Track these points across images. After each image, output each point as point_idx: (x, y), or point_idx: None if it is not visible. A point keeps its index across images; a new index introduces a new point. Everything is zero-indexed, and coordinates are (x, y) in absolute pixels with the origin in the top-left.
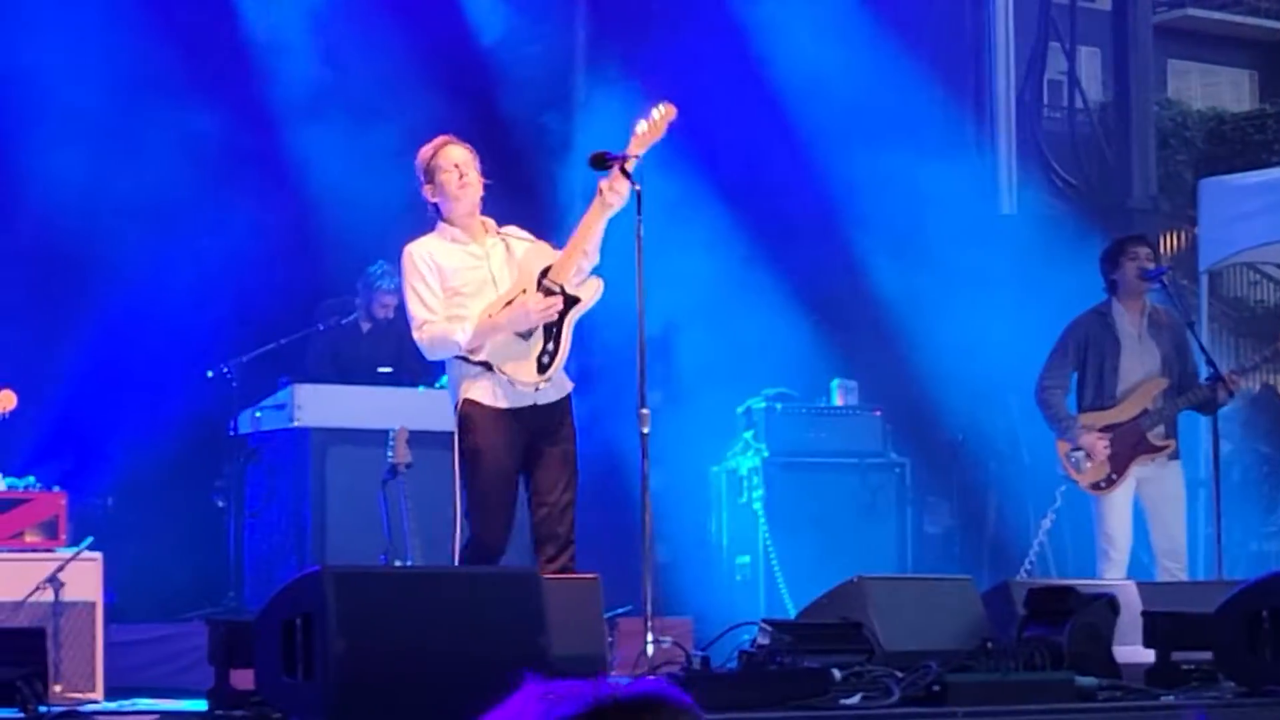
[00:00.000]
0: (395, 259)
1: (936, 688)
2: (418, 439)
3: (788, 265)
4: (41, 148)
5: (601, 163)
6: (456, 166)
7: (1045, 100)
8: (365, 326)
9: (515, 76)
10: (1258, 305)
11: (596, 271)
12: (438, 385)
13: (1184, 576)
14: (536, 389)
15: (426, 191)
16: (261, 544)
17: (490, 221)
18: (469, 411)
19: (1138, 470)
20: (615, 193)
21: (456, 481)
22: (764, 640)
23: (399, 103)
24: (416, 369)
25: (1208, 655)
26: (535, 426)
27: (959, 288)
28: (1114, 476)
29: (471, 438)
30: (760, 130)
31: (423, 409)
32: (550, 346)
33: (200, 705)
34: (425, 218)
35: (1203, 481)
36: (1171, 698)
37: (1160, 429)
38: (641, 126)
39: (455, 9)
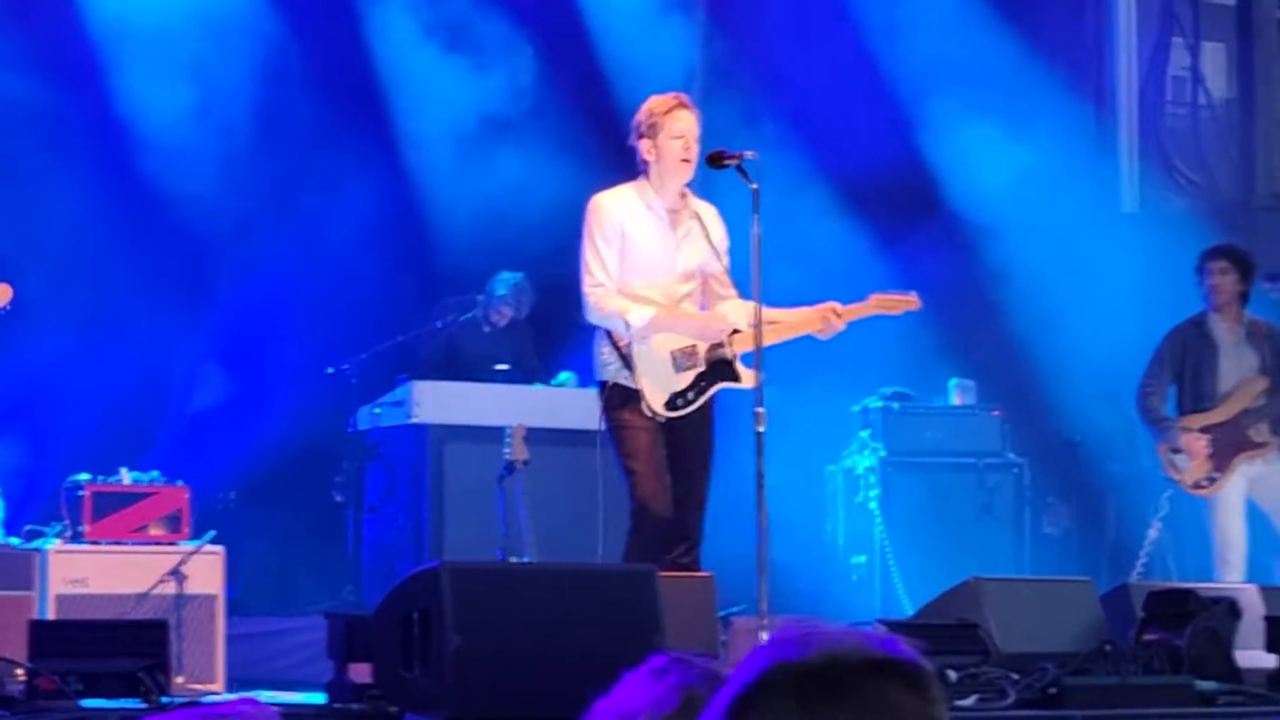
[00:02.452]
0: (516, 256)
1: (1053, 690)
2: (535, 436)
3: (905, 263)
4: (170, 146)
5: (719, 161)
6: (684, 135)
7: (1168, 96)
8: (485, 328)
9: (634, 69)
10: None
11: None
12: (554, 383)
13: None
14: (653, 415)
15: (642, 146)
16: (380, 539)
17: (689, 193)
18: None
19: (1246, 469)
20: (833, 330)
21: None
22: None
23: (520, 102)
24: (534, 367)
25: None
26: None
27: (1079, 286)
28: (1215, 475)
29: (619, 414)
30: (877, 126)
31: (540, 406)
32: (691, 395)
33: (319, 698)
34: (545, 212)
35: None
36: None
37: (1264, 427)
38: (882, 300)
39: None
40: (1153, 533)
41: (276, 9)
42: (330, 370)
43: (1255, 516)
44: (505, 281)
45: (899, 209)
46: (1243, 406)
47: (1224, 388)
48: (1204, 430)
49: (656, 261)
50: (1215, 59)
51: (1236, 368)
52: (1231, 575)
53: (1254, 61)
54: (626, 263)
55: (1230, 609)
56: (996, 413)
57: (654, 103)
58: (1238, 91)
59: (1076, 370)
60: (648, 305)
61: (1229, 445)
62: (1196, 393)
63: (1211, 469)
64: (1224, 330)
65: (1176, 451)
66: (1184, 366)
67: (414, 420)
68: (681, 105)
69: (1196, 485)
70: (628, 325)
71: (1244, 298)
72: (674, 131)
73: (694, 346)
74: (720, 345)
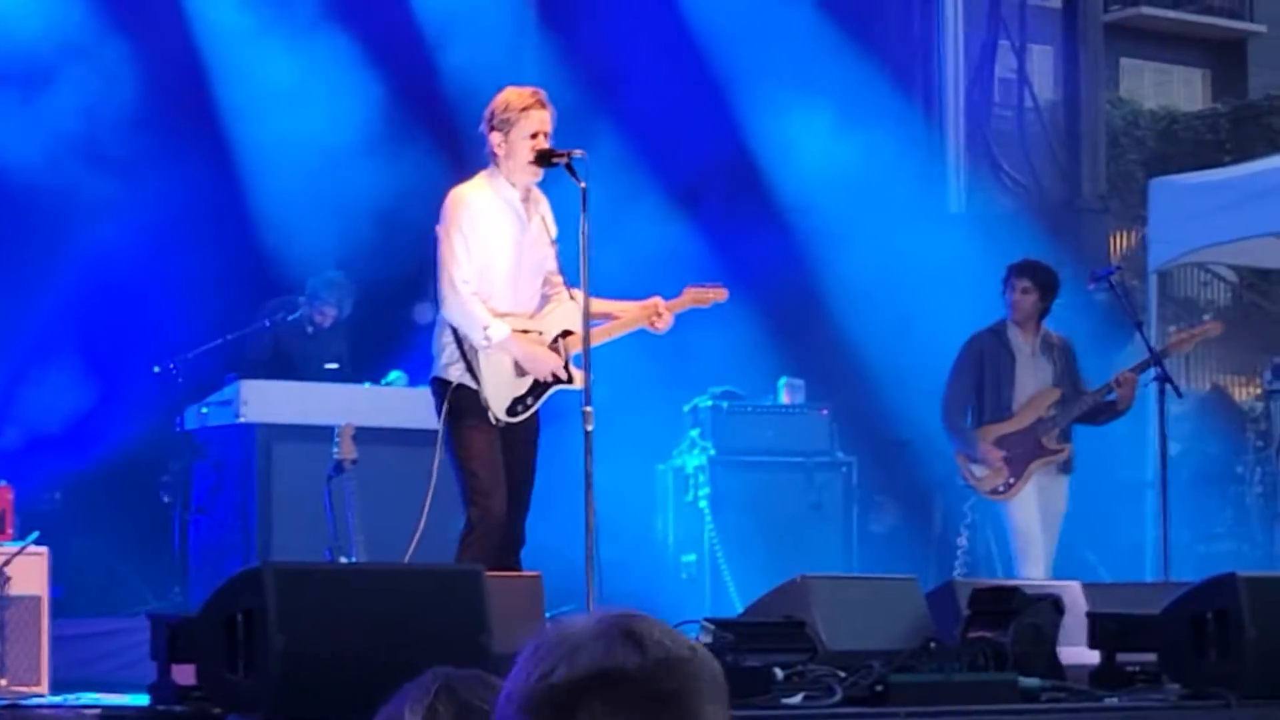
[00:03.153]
0: (343, 253)
1: (879, 688)
2: (363, 435)
3: (735, 262)
4: None
5: (547, 159)
6: (537, 136)
7: (995, 99)
8: (309, 328)
9: (462, 61)
10: (1208, 305)
11: None
12: (384, 382)
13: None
14: (496, 421)
15: (493, 139)
16: (208, 539)
17: (533, 186)
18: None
19: (1039, 477)
20: (665, 325)
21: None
22: (706, 639)
23: (343, 89)
24: (363, 366)
25: (1153, 657)
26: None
27: (907, 286)
28: (1012, 481)
29: (461, 417)
30: (708, 125)
31: (369, 405)
32: (530, 401)
33: (143, 700)
34: (373, 211)
35: (1150, 483)
36: (1116, 699)
37: (1055, 435)
38: (694, 293)
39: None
40: (962, 541)
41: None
42: (157, 369)
43: (1095, 517)
44: (326, 282)
45: (729, 207)
46: (1036, 416)
47: (1020, 398)
48: (1000, 439)
49: (513, 269)
50: (1042, 62)
51: (1033, 379)
52: (1033, 569)
53: (1079, 65)
54: (484, 265)
55: (1054, 606)
56: (825, 412)
57: (511, 97)
58: (1063, 94)
59: (904, 369)
60: (504, 322)
61: (1024, 453)
62: (995, 402)
63: (1007, 476)
64: (1021, 342)
65: (974, 460)
66: (983, 376)
67: (242, 420)
68: (539, 104)
69: (994, 491)
70: (487, 338)
71: (1043, 314)
72: (527, 130)
73: None
74: (556, 349)
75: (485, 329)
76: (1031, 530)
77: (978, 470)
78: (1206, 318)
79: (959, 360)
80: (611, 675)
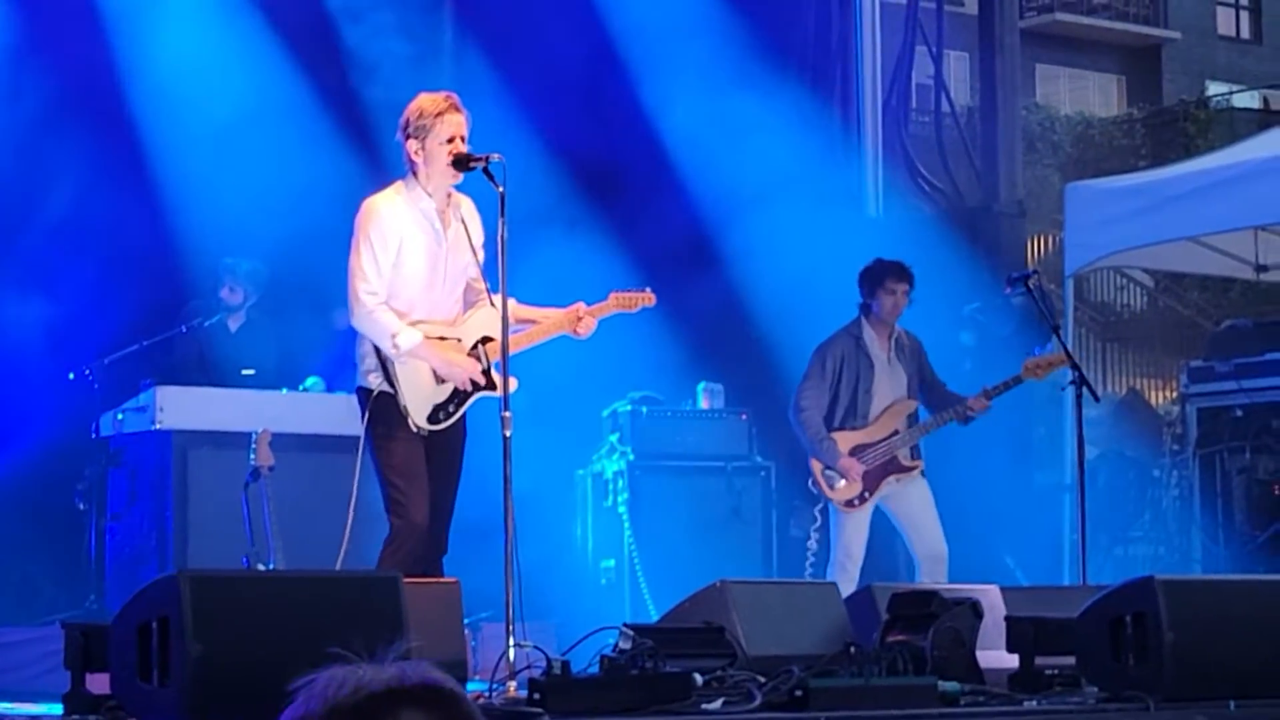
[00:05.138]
0: (260, 257)
1: (798, 693)
2: (280, 441)
3: (653, 267)
4: None
5: (465, 163)
6: (453, 140)
7: (912, 104)
8: (233, 325)
9: (379, 66)
10: (1124, 309)
11: None
12: (301, 388)
13: (945, 580)
14: (417, 429)
15: (410, 147)
16: (123, 547)
17: (453, 191)
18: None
19: (898, 487)
20: (588, 329)
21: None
22: (625, 644)
23: (261, 99)
24: (280, 371)
25: (1071, 660)
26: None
27: (824, 291)
28: (866, 495)
29: (383, 425)
30: (623, 133)
31: (285, 411)
32: (451, 408)
33: (57, 709)
34: (290, 216)
35: (1068, 486)
36: (1034, 703)
37: (909, 451)
38: (620, 299)
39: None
40: (812, 544)
41: (18, 6)
42: (72, 375)
43: (1012, 521)
44: (249, 262)
45: (646, 213)
46: (894, 428)
47: (878, 405)
48: (857, 448)
49: (428, 278)
50: (959, 68)
51: (890, 387)
52: (849, 585)
53: (996, 70)
54: (399, 275)
55: (972, 610)
56: (744, 416)
57: (424, 103)
58: (980, 100)
59: None
60: (415, 328)
61: (880, 467)
62: (851, 408)
63: (863, 489)
64: (878, 348)
65: (830, 469)
66: (842, 380)
67: (158, 426)
68: (453, 107)
69: (848, 504)
70: (395, 346)
71: None
72: (443, 136)
73: None
74: (475, 355)
75: (394, 337)
76: (854, 545)
77: (833, 479)
78: (1045, 348)
79: (814, 363)
80: None
